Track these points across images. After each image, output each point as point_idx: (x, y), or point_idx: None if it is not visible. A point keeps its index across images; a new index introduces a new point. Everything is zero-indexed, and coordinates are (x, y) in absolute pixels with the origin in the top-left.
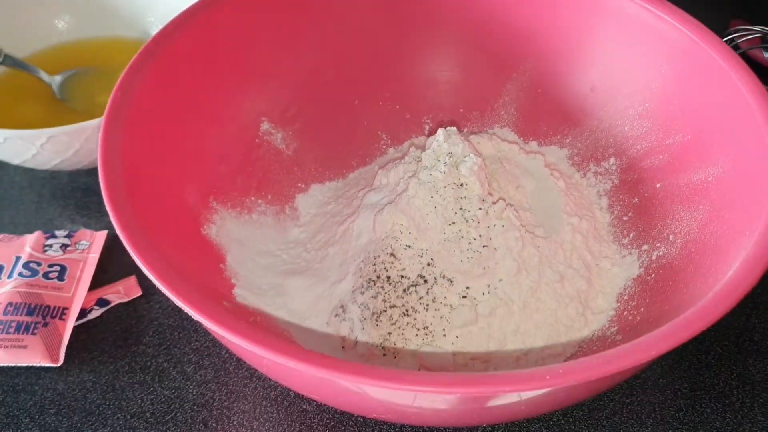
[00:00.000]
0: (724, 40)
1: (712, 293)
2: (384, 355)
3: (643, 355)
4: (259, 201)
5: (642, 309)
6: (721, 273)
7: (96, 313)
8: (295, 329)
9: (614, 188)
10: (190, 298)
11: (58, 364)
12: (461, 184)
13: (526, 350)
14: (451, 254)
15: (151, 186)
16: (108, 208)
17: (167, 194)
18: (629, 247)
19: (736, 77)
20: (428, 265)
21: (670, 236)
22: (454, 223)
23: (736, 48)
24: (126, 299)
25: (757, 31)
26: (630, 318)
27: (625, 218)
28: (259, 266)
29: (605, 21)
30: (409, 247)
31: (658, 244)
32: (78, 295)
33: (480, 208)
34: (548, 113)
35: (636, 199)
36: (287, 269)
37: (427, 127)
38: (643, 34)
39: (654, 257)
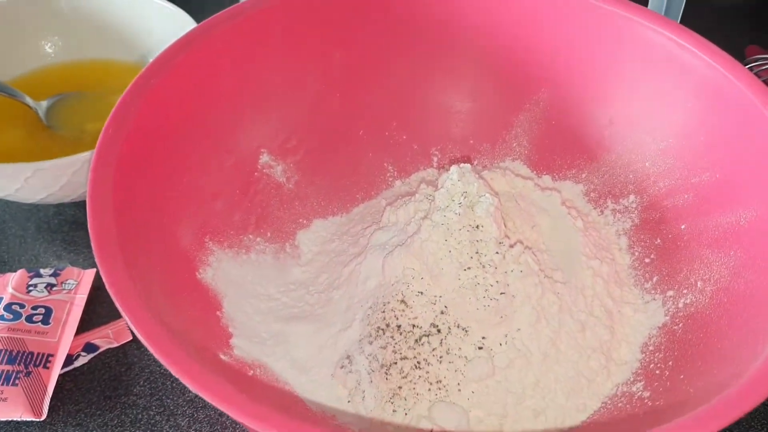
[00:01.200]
0: None
1: (755, 368)
2: (394, 411)
3: None
4: (258, 239)
5: (670, 363)
6: (761, 333)
7: (83, 359)
8: (297, 382)
9: (634, 227)
10: (175, 358)
11: (42, 419)
12: (477, 226)
13: (546, 406)
14: (467, 302)
15: (142, 227)
16: (95, 253)
17: (160, 236)
18: (653, 292)
19: None
20: (442, 313)
21: (698, 283)
22: (469, 268)
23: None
24: (115, 344)
25: None
26: (657, 372)
27: (647, 260)
28: (258, 311)
29: (626, 50)
30: (422, 293)
31: (685, 291)
32: (64, 341)
33: (497, 252)
34: (563, 146)
35: (659, 240)
36: (288, 314)
37: (435, 159)
38: (668, 65)
39: (681, 305)
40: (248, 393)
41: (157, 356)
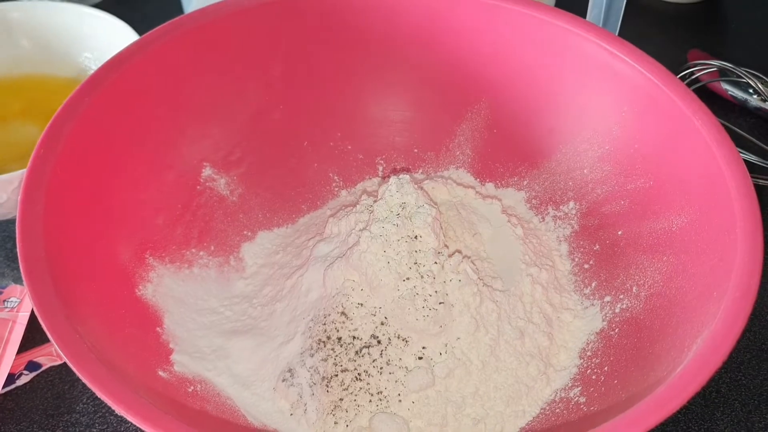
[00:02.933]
0: (684, 72)
1: (680, 369)
2: (336, 423)
3: None
4: (201, 252)
5: (606, 368)
6: (689, 338)
7: (25, 378)
8: (239, 396)
9: (574, 234)
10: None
11: None
12: (415, 237)
13: (486, 414)
14: (406, 312)
15: (78, 246)
16: (23, 275)
17: (97, 254)
18: (591, 297)
19: (699, 123)
20: (382, 324)
21: (634, 288)
22: (408, 278)
23: (695, 81)
24: (58, 362)
25: (715, 65)
26: (594, 378)
27: (586, 266)
28: (200, 326)
29: (564, 61)
30: (362, 305)
31: (622, 296)
32: (5, 360)
33: (435, 262)
34: (505, 154)
35: (597, 246)
36: (231, 328)
37: (380, 168)
38: (601, 73)
39: (617, 310)
40: (183, 411)
41: (86, 382)
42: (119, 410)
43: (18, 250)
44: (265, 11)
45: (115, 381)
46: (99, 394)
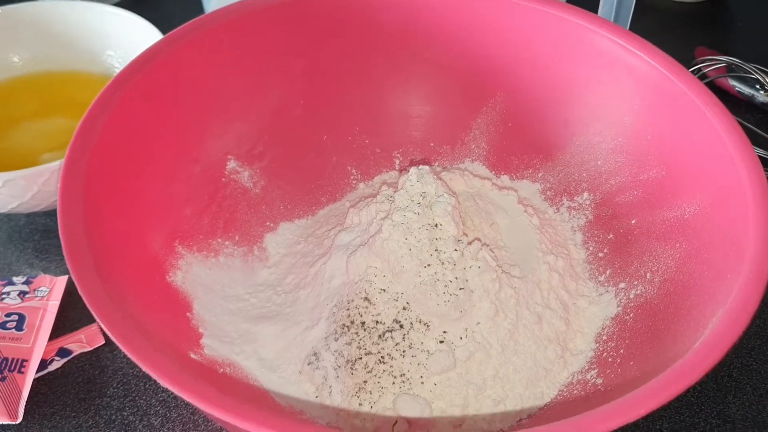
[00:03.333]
0: (692, 69)
1: (697, 345)
2: (360, 405)
3: (628, 415)
4: (227, 242)
5: (621, 350)
6: (704, 318)
7: (57, 364)
8: (266, 379)
9: (588, 224)
10: (150, 358)
11: (17, 422)
12: (436, 225)
13: (506, 396)
14: (427, 298)
15: (113, 234)
16: (67, 260)
17: (131, 242)
18: (606, 284)
19: (710, 114)
20: (404, 309)
21: (648, 274)
22: (429, 265)
23: (703, 77)
24: (88, 348)
25: (722, 61)
26: (610, 360)
27: (600, 255)
28: (227, 312)
29: (577, 55)
30: (384, 290)
31: (636, 282)
32: (38, 346)
33: (455, 250)
34: (520, 147)
35: (611, 235)
36: (257, 314)
37: (397, 162)
38: (613, 67)
39: (632, 296)
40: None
41: (130, 355)
42: (165, 382)
43: (60, 234)
44: (285, 9)
45: (159, 354)
46: (146, 367)
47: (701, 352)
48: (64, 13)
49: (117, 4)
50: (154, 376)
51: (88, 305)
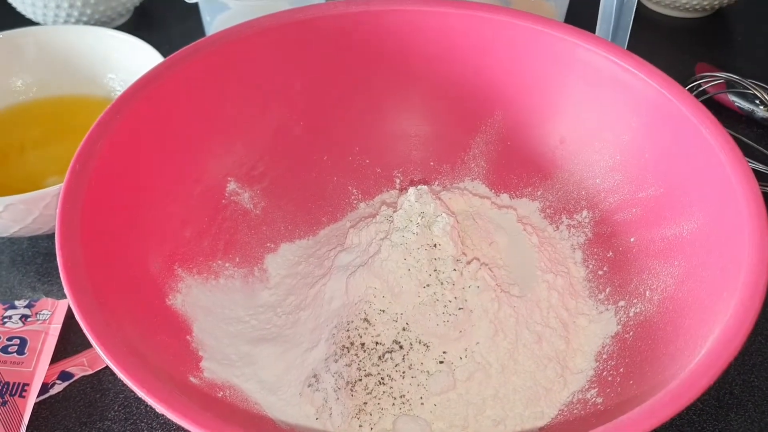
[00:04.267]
0: (691, 84)
1: (694, 364)
2: (360, 426)
3: None
4: (227, 264)
5: (621, 369)
6: (702, 337)
7: (58, 387)
8: (266, 402)
9: (588, 242)
10: (146, 383)
11: None
12: (434, 245)
13: (506, 416)
14: (427, 318)
15: (112, 257)
16: (64, 284)
17: (130, 265)
18: (606, 303)
19: (706, 132)
20: (403, 329)
21: (647, 292)
22: (428, 285)
23: (703, 93)
24: (90, 371)
25: (722, 77)
26: (610, 379)
27: (600, 273)
28: (227, 334)
29: (572, 73)
30: (383, 311)
31: (635, 300)
32: (39, 370)
33: (454, 269)
34: (518, 166)
35: (611, 253)
36: (257, 336)
37: (398, 181)
38: (610, 86)
39: (631, 314)
40: (217, 413)
41: (126, 381)
42: (162, 408)
43: (59, 258)
44: (285, 31)
45: (157, 380)
46: (142, 393)
47: (697, 372)
48: (65, 37)
49: (118, 28)
50: (149, 401)
51: (84, 330)
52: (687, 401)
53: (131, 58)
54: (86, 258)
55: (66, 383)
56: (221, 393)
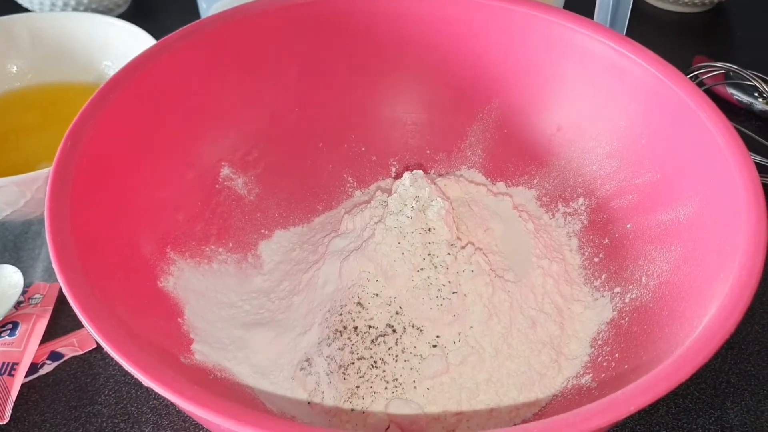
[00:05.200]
0: (689, 76)
1: (689, 342)
2: (352, 410)
3: (621, 411)
4: (220, 249)
5: (617, 355)
6: (697, 318)
7: (48, 368)
8: (258, 385)
9: (584, 229)
10: (139, 361)
11: (5, 422)
12: (429, 229)
13: (499, 401)
14: (420, 302)
15: (103, 239)
16: (54, 265)
17: (121, 246)
18: (601, 289)
19: (704, 117)
20: (396, 313)
21: (643, 278)
22: (422, 269)
23: (700, 84)
24: (80, 352)
25: (720, 68)
26: (605, 365)
27: (596, 260)
28: (219, 318)
29: (569, 59)
30: (377, 295)
31: (631, 287)
32: (29, 349)
33: (448, 254)
34: (515, 154)
35: (607, 240)
36: (250, 320)
37: (393, 169)
38: (608, 72)
39: (627, 300)
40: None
41: (117, 357)
42: (155, 385)
43: (48, 239)
44: (280, 16)
45: (148, 357)
46: (135, 370)
47: (693, 349)
48: (61, 24)
49: (118, 16)
50: (143, 378)
51: (75, 309)
52: (679, 379)
53: (128, 46)
54: (76, 237)
55: (56, 363)
56: (212, 376)
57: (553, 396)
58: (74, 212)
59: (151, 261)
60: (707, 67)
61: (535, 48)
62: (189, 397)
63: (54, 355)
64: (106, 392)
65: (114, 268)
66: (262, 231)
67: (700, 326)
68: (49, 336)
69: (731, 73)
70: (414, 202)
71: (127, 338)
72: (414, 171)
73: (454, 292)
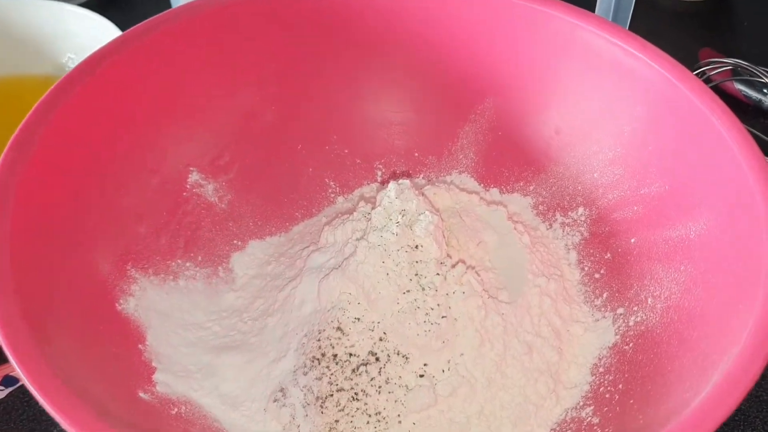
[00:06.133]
0: (696, 72)
1: (709, 390)
2: None
3: None
4: (188, 263)
5: (620, 386)
6: (713, 353)
7: (1, 394)
8: (227, 418)
9: (584, 241)
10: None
11: None
12: (416, 246)
13: None
14: (406, 327)
15: (50, 255)
16: None
17: (72, 264)
18: (603, 309)
19: (719, 123)
20: (380, 340)
21: (649, 299)
22: (408, 291)
23: (707, 81)
24: None
25: (728, 63)
26: (607, 396)
27: (596, 275)
28: (185, 342)
29: (572, 57)
30: (358, 319)
31: (635, 308)
32: None
33: (438, 274)
34: (510, 158)
35: (608, 255)
36: (219, 344)
37: (379, 173)
38: (613, 71)
39: (631, 323)
40: None
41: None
42: None
43: None
44: (257, 7)
45: (82, 405)
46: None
47: (713, 399)
48: (21, 12)
49: (81, 5)
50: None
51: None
52: None
53: (92, 37)
54: (15, 255)
55: (9, 389)
56: (175, 410)
57: (551, 430)
58: (15, 224)
59: (108, 281)
60: (715, 63)
61: (532, 43)
62: None
63: (7, 380)
64: None
65: (62, 292)
66: (235, 242)
67: (718, 368)
68: (3, 357)
69: (739, 69)
70: (400, 216)
71: (62, 385)
72: (400, 181)
73: (443, 316)
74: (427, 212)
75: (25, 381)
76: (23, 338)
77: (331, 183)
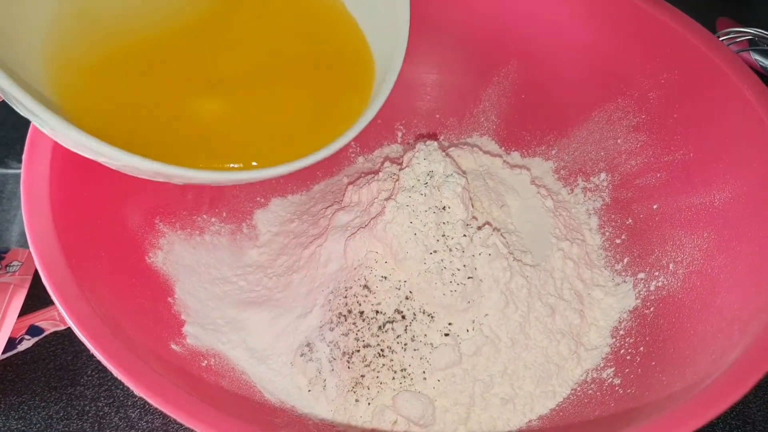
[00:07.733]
0: None
1: (739, 354)
2: (357, 401)
3: None
4: (213, 219)
5: (641, 348)
6: (738, 320)
7: (27, 343)
8: (254, 371)
9: (605, 207)
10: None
11: None
12: (443, 208)
13: (515, 394)
14: (433, 287)
15: (84, 208)
16: (29, 241)
17: (105, 218)
18: (623, 274)
19: (749, 92)
20: (406, 298)
21: (671, 265)
22: (435, 251)
23: None
24: (61, 327)
25: (747, 33)
26: (628, 358)
27: (617, 241)
28: (212, 296)
29: (600, 20)
30: (385, 278)
31: (657, 273)
32: (6, 323)
33: (464, 235)
34: (533, 121)
35: (630, 220)
36: (245, 299)
37: (399, 134)
38: (641, 37)
39: (652, 288)
40: (198, 387)
41: (95, 353)
42: (125, 379)
43: (23, 214)
44: None
45: (124, 349)
46: (105, 361)
47: (744, 365)
48: None
49: None
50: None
51: (48, 288)
52: (732, 400)
53: None
54: (54, 210)
55: (35, 339)
56: (205, 362)
57: (572, 390)
58: (52, 183)
59: (138, 234)
60: (733, 33)
61: (558, 8)
62: (169, 401)
63: (33, 330)
64: (90, 372)
65: (96, 244)
66: (258, 199)
67: (745, 334)
68: (28, 308)
69: (756, 39)
70: (428, 177)
71: (108, 331)
72: (427, 142)
73: (469, 277)
74: (455, 174)
75: (68, 321)
76: (68, 284)
77: (352, 143)
